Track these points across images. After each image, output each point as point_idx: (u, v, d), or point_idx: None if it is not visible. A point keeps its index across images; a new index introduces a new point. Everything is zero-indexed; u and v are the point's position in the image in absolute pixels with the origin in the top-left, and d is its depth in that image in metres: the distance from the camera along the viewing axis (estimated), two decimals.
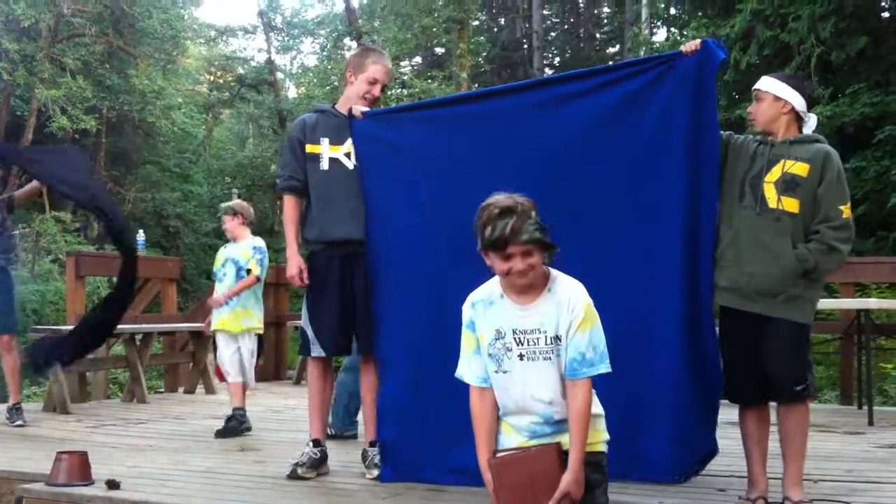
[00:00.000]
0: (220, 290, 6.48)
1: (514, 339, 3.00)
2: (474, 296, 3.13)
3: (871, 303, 6.68)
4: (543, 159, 4.22)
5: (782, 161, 3.78)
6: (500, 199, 2.97)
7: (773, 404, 3.85)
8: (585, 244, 4.06)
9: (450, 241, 4.34)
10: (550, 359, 2.98)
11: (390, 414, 4.46)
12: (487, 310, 3.07)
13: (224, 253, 6.56)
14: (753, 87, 3.97)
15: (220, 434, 6.02)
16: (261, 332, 6.60)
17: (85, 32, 21.05)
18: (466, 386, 3.95)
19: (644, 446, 4.05)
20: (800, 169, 3.74)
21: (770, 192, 3.77)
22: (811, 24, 11.95)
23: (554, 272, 3.06)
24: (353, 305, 4.58)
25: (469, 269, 4.27)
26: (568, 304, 2.98)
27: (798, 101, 3.84)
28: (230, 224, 6.54)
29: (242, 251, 6.46)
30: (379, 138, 4.50)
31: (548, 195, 4.17)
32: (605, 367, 2.97)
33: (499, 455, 3.01)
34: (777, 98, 3.84)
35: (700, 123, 4.00)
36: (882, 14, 13.96)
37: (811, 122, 3.90)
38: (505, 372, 3.03)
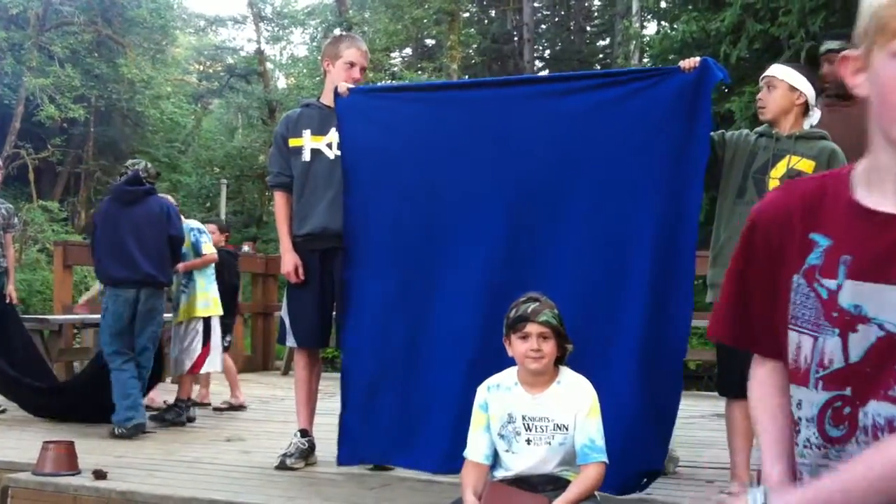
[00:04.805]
0: None
1: (524, 424, 3.16)
2: (491, 381, 3.28)
3: None
4: (531, 151, 4.18)
5: (787, 156, 3.69)
6: (529, 293, 3.22)
7: None
8: (560, 243, 4.05)
9: (430, 226, 4.31)
10: (550, 443, 3.14)
11: (355, 400, 4.40)
12: (502, 395, 3.23)
13: None
14: (765, 74, 3.80)
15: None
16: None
17: (73, 21, 20.93)
18: (430, 372, 4.19)
19: None
20: (805, 166, 3.65)
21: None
22: (801, 18, 11.95)
23: (562, 368, 3.22)
24: (331, 299, 4.56)
25: (446, 251, 4.27)
26: (575, 394, 3.16)
27: (811, 95, 3.73)
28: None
29: None
30: (365, 115, 4.42)
31: (532, 187, 4.18)
32: (605, 458, 3.11)
33: (496, 481, 3.18)
34: (793, 88, 3.72)
35: (690, 136, 3.88)
36: None
37: (815, 117, 3.77)
38: (514, 453, 3.19)
